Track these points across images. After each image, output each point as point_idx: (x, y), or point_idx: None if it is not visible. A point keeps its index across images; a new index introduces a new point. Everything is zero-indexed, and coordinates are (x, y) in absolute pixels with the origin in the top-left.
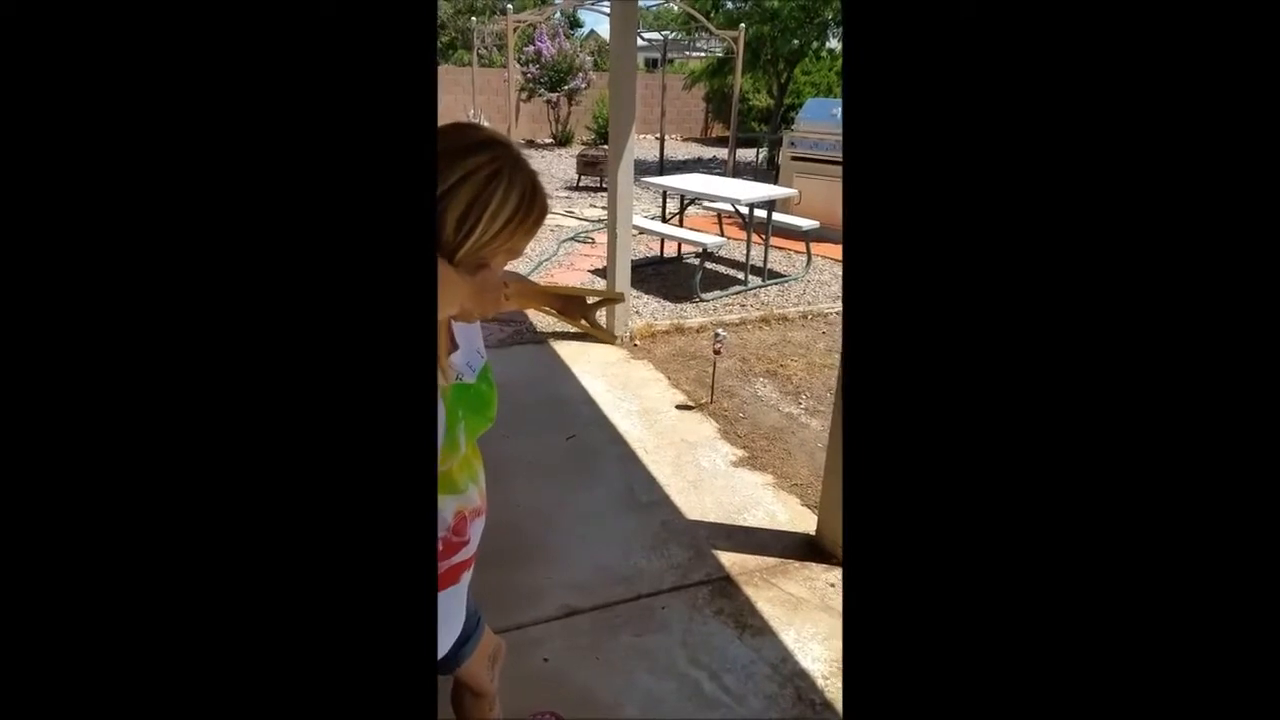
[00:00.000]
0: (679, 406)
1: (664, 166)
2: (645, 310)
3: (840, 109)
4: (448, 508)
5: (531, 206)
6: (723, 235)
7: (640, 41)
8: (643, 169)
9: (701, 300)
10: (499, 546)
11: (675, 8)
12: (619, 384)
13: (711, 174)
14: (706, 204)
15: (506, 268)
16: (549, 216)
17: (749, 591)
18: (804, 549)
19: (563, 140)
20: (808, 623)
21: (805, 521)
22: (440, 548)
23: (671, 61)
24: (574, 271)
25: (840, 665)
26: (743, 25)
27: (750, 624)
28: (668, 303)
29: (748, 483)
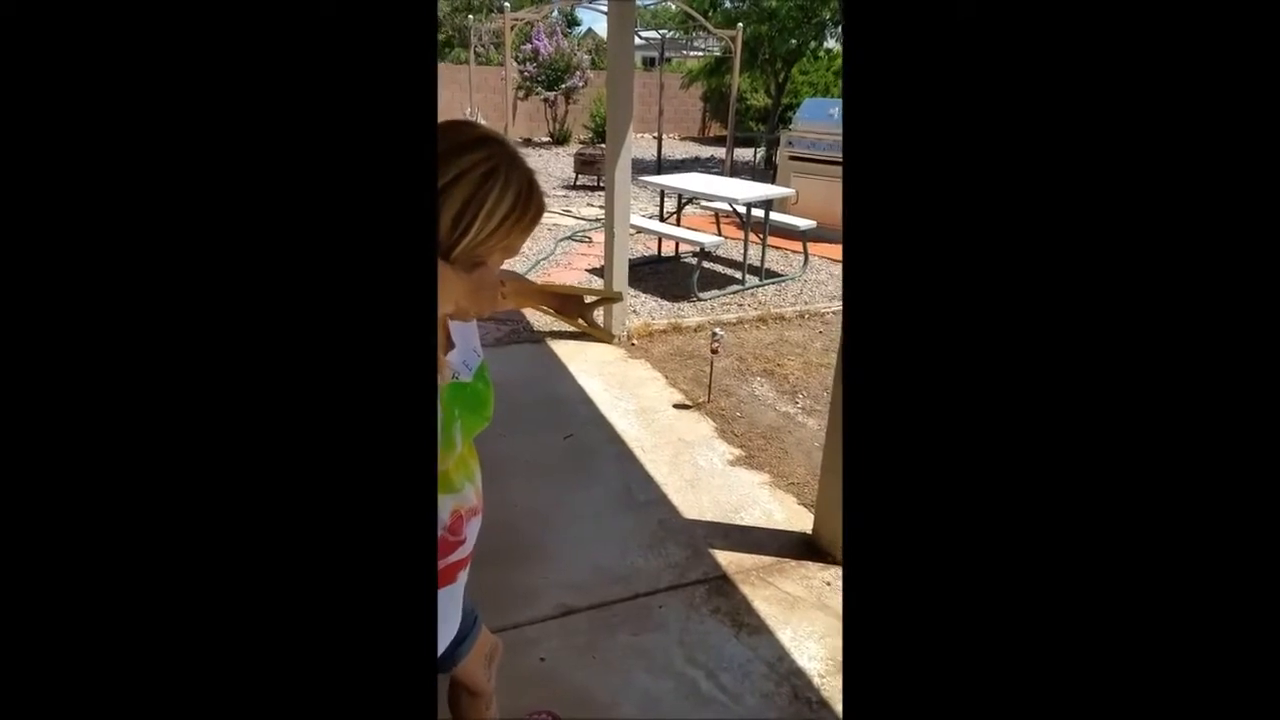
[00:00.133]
0: (676, 406)
1: (662, 165)
2: (643, 309)
3: (837, 109)
4: (444, 507)
5: (528, 204)
6: (720, 235)
7: (638, 40)
8: (640, 168)
9: (699, 299)
10: (496, 546)
11: (673, 6)
12: (616, 383)
13: (709, 173)
14: (704, 203)
15: (503, 266)
16: (546, 215)
17: (746, 590)
18: (800, 548)
19: (560, 139)
20: (804, 621)
21: (802, 520)
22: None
23: (669, 60)
24: (571, 270)
25: (836, 663)
26: (740, 24)
27: (747, 622)
28: (665, 302)
29: (744, 482)
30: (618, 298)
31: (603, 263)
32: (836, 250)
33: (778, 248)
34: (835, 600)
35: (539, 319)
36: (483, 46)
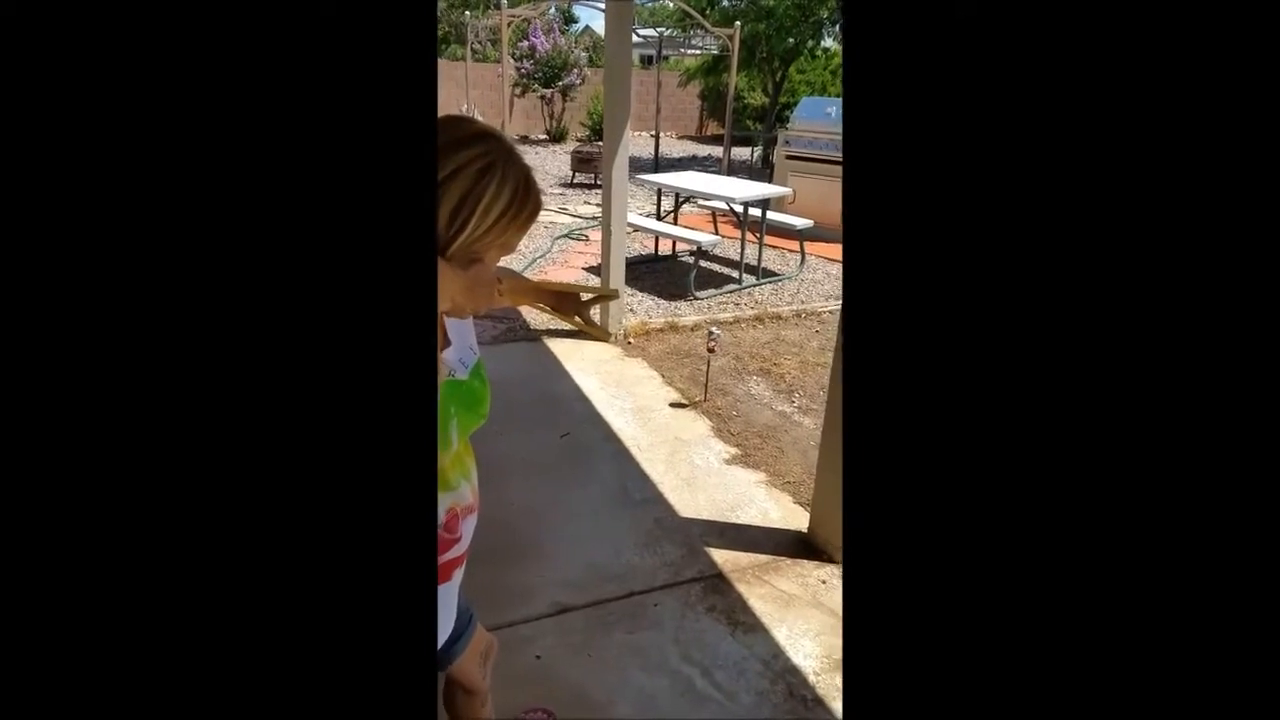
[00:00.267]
0: (673, 404)
1: (659, 164)
2: (639, 308)
3: (835, 108)
4: (440, 505)
5: (525, 201)
6: (717, 233)
7: (635, 38)
8: (638, 166)
9: (696, 298)
10: (491, 544)
11: (671, 4)
12: (613, 382)
13: (706, 172)
14: (701, 202)
15: (500, 264)
16: (543, 213)
17: (741, 588)
18: (796, 546)
19: (557, 136)
20: (799, 619)
21: (797, 519)
22: None
23: (667, 58)
24: (568, 269)
25: (831, 661)
26: (738, 23)
27: (742, 621)
28: (662, 300)
29: (740, 480)
30: (614, 295)
31: (600, 261)
32: (833, 249)
33: (775, 247)
34: (830, 598)
35: (535, 317)
36: (479, 43)
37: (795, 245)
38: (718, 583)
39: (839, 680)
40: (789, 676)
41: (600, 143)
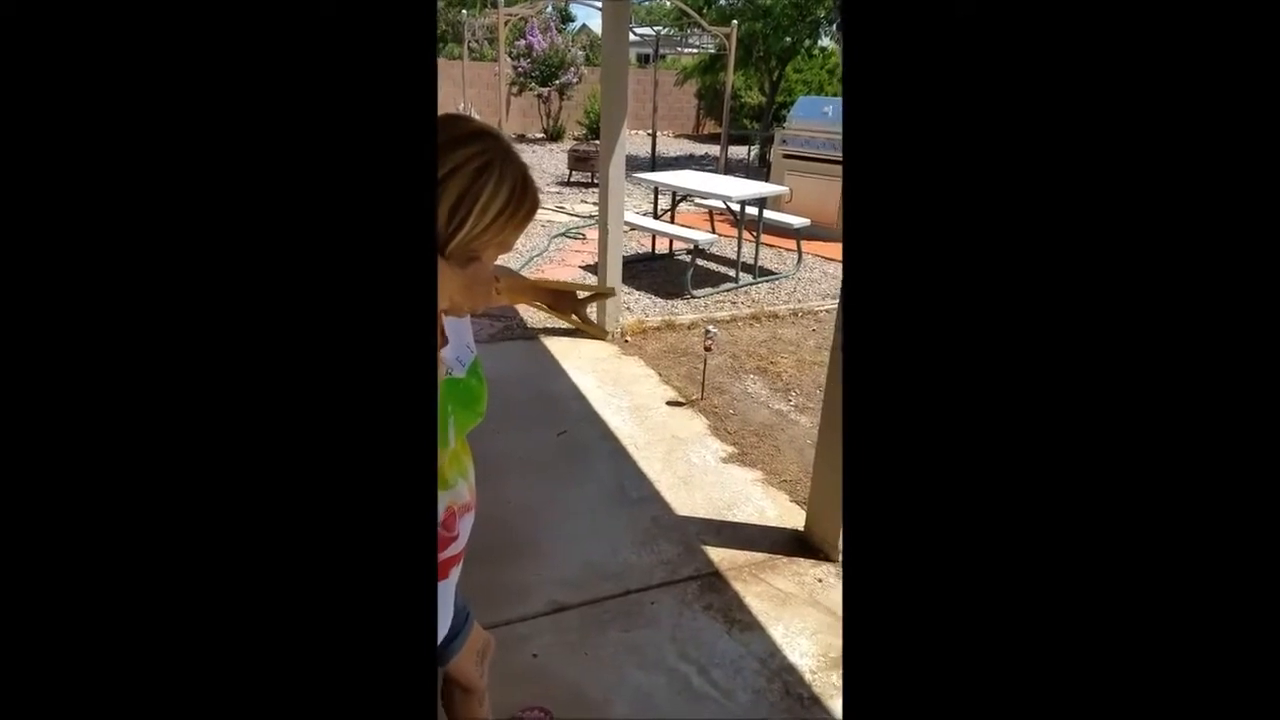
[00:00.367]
0: (669, 403)
1: (656, 162)
2: (636, 306)
3: (831, 107)
4: (438, 503)
5: (522, 199)
6: (714, 232)
7: (632, 36)
8: (634, 165)
9: (693, 297)
10: (488, 542)
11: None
12: (610, 380)
13: (703, 171)
14: (698, 201)
15: (497, 262)
16: (540, 212)
17: (738, 587)
18: (792, 545)
19: (554, 135)
20: (796, 618)
21: (794, 517)
22: None
23: (664, 57)
24: (565, 267)
25: (828, 660)
26: (735, 22)
27: (739, 619)
28: (659, 299)
29: (737, 479)
30: (610, 293)
31: (596, 259)
32: (830, 248)
33: (771, 245)
34: (826, 597)
35: (532, 315)
36: (476, 42)
37: (792, 244)
38: (714, 581)
39: (835, 678)
40: (785, 675)
41: (597, 141)
